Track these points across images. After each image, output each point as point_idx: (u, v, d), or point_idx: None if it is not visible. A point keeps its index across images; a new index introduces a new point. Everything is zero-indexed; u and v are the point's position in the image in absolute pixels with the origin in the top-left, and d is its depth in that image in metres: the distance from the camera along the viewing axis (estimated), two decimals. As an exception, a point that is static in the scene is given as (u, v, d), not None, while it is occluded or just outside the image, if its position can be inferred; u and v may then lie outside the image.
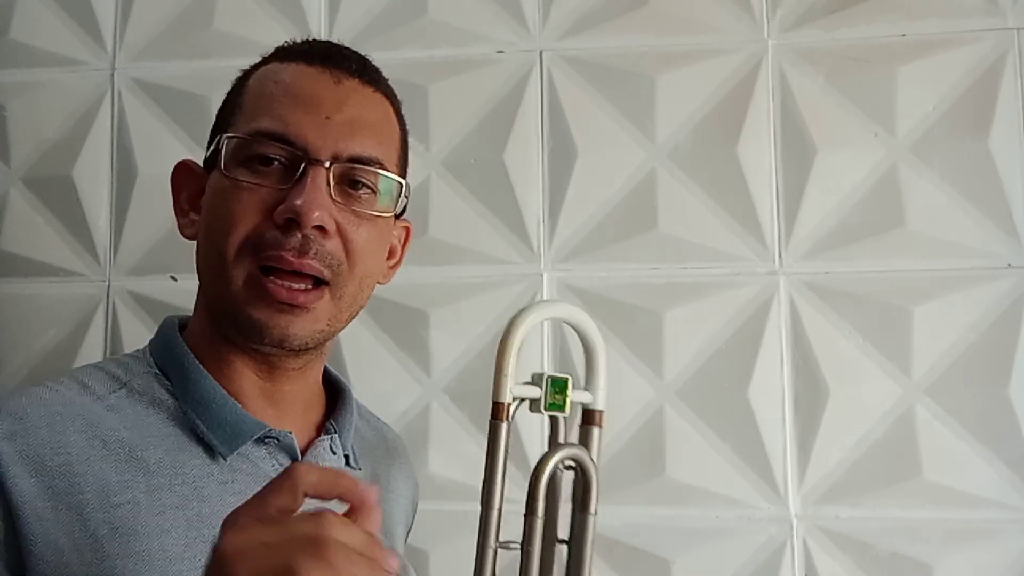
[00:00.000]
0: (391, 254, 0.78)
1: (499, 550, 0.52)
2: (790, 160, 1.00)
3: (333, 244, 0.68)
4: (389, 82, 0.77)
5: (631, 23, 1.04)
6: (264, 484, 0.66)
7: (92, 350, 1.05)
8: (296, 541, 0.46)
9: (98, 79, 1.10)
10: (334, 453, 0.74)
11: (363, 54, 0.76)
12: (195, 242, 0.73)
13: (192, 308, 0.75)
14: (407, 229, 0.80)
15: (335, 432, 0.75)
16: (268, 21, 1.08)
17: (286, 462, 0.70)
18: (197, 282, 0.74)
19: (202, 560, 0.62)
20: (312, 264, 0.66)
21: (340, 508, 0.49)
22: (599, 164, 1.02)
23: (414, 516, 0.90)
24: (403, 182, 0.73)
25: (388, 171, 0.71)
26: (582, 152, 1.02)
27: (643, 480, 0.98)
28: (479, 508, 0.53)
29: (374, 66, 0.75)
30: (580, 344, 0.60)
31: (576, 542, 0.54)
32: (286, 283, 0.67)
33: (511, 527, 0.56)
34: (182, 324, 0.75)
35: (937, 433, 0.95)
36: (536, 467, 0.53)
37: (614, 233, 1.01)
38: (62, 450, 0.62)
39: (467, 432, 1.00)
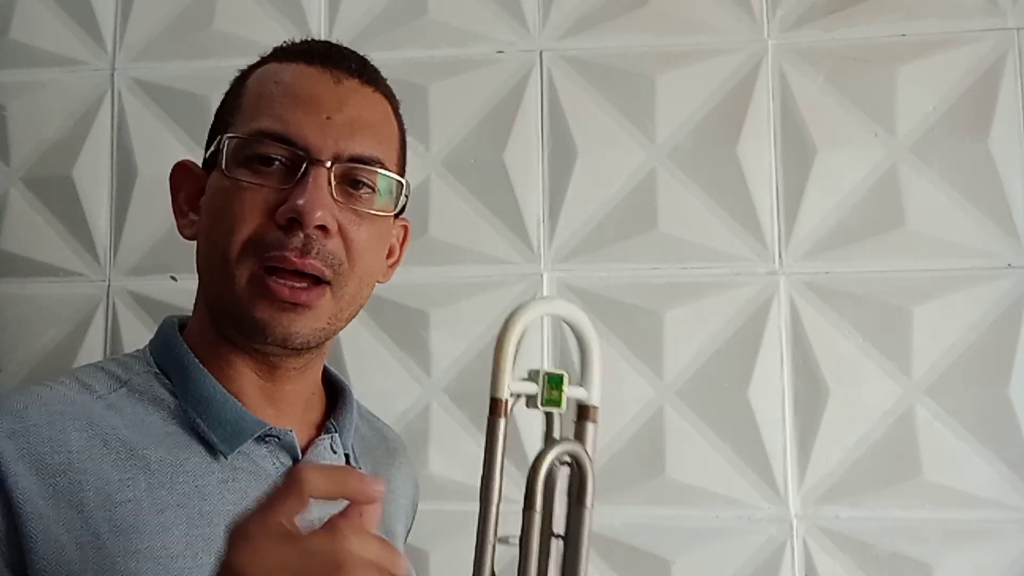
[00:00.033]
0: (390, 253, 0.78)
1: (497, 546, 0.52)
2: (790, 160, 1.00)
3: (334, 244, 0.68)
4: (388, 82, 0.77)
5: (631, 23, 1.04)
6: (265, 482, 0.67)
7: (92, 350, 1.05)
8: (316, 562, 0.46)
9: (98, 79, 1.10)
10: (335, 452, 0.74)
11: (363, 54, 0.76)
12: (195, 242, 0.74)
13: (192, 308, 0.75)
14: (405, 228, 0.80)
15: (335, 431, 0.75)
16: (268, 21, 1.08)
17: (287, 460, 0.70)
18: (197, 282, 0.74)
19: (204, 558, 0.63)
20: (314, 264, 0.67)
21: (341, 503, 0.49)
22: (599, 164, 1.02)
23: (414, 516, 0.90)
24: (403, 181, 0.74)
25: (388, 170, 0.72)
26: (582, 152, 1.02)
27: (643, 480, 0.98)
28: (478, 505, 0.53)
29: (373, 66, 0.76)
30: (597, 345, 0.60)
31: (572, 536, 0.54)
32: (288, 282, 0.67)
33: (509, 526, 0.56)
34: (181, 324, 0.75)
35: (937, 433, 0.95)
36: (534, 462, 0.54)
37: (614, 233, 1.01)
38: (63, 448, 0.62)
39: (467, 432, 1.00)
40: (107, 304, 1.06)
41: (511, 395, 0.53)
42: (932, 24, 1.00)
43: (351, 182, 0.70)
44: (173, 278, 1.05)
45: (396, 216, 0.75)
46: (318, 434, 0.75)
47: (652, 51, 1.03)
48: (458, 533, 0.96)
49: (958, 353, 0.95)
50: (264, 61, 0.75)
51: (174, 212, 0.75)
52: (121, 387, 0.68)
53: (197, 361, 0.70)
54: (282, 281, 0.66)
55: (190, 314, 0.76)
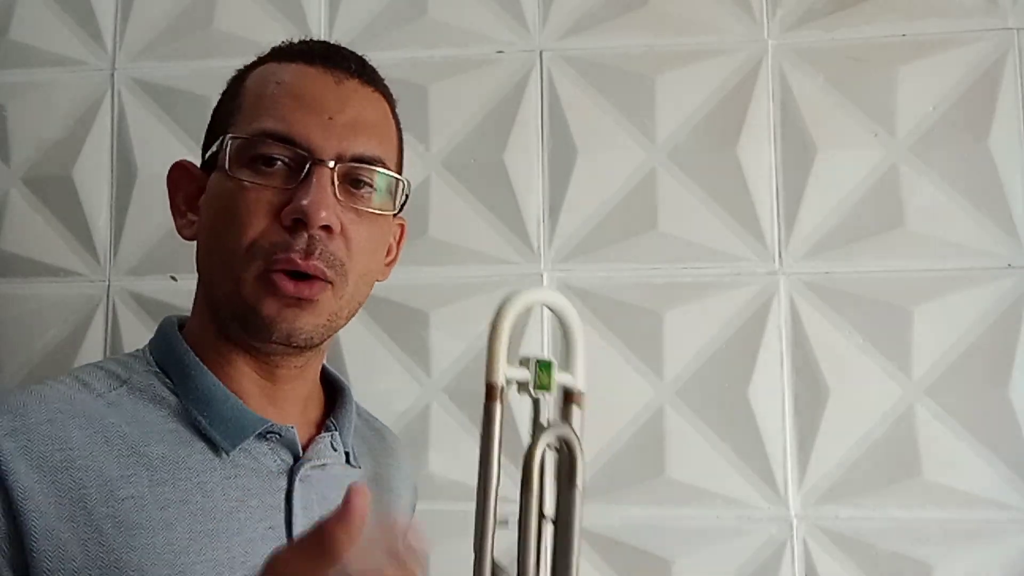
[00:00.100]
0: (388, 252, 0.79)
1: (497, 531, 0.53)
2: (790, 160, 1.00)
3: (336, 244, 0.68)
4: (385, 81, 0.77)
5: (631, 23, 1.04)
6: (267, 479, 0.67)
7: (92, 350, 1.05)
8: None
9: (98, 79, 1.10)
10: (335, 449, 0.75)
11: (363, 54, 0.76)
12: (194, 242, 0.74)
13: (191, 308, 0.76)
14: (402, 227, 0.80)
15: (335, 429, 0.76)
16: (268, 21, 1.08)
17: (288, 458, 0.71)
18: (197, 282, 0.74)
19: (207, 553, 0.63)
20: (317, 265, 0.67)
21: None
22: (599, 164, 1.02)
23: (412, 516, 0.90)
24: (404, 180, 0.74)
25: (389, 170, 0.72)
26: (582, 152, 1.02)
27: (643, 480, 0.98)
28: (476, 491, 0.55)
29: (371, 66, 0.76)
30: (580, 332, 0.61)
31: (564, 519, 0.55)
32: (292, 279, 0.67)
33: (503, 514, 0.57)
34: (180, 324, 0.75)
35: (937, 433, 0.95)
36: (530, 445, 0.55)
37: (614, 233, 1.01)
38: (64, 446, 0.62)
39: (467, 432, 1.00)
40: (107, 304, 1.06)
41: (505, 380, 0.54)
42: (932, 24, 1.00)
43: (352, 182, 0.70)
44: (173, 278, 1.05)
45: (394, 215, 0.76)
46: (318, 432, 0.75)
47: (652, 51, 1.03)
48: (458, 533, 0.96)
49: (958, 353, 0.95)
50: (262, 61, 0.75)
51: (173, 212, 0.75)
52: (121, 386, 0.69)
53: (198, 360, 0.70)
54: (286, 278, 0.67)
55: (189, 314, 0.76)
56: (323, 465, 0.73)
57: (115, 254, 1.07)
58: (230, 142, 0.69)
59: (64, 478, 0.61)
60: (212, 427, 0.68)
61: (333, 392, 0.80)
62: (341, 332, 0.78)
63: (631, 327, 1.00)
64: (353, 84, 0.72)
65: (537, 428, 0.57)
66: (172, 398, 0.69)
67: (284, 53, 0.74)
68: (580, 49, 1.04)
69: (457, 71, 1.05)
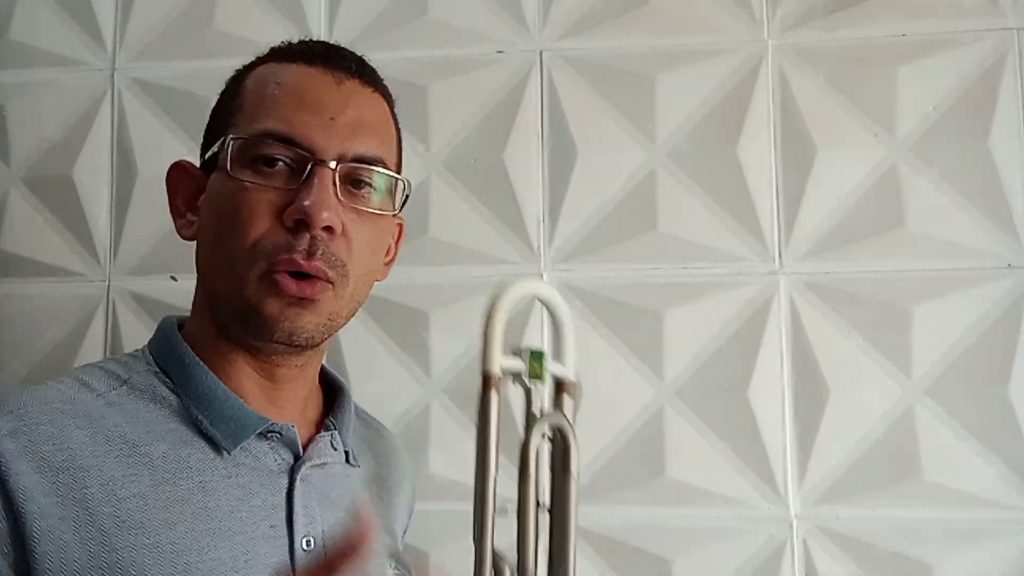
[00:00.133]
0: (386, 251, 0.79)
1: (495, 522, 0.54)
2: (790, 160, 1.00)
3: (338, 244, 0.68)
4: (385, 81, 0.77)
5: (631, 23, 1.04)
6: (267, 478, 0.68)
7: (92, 350, 1.05)
8: None
9: (98, 79, 1.10)
10: (335, 448, 0.75)
11: (363, 54, 0.76)
12: (194, 242, 0.74)
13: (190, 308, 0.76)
14: (400, 226, 0.81)
15: (334, 429, 0.76)
16: (268, 21, 1.08)
17: (288, 457, 0.71)
18: (196, 282, 0.74)
19: (209, 552, 0.63)
20: (319, 266, 0.67)
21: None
22: (599, 164, 1.02)
23: (410, 516, 0.90)
24: (405, 180, 0.74)
25: (390, 170, 0.73)
26: (582, 152, 1.02)
27: (643, 480, 0.98)
28: (474, 479, 0.56)
29: (371, 66, 0.76)
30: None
31: (560, 506, 0.56)
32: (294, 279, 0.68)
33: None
34: (180, 323, 0.75)
35: (937, 433, 0.95)
36: (525, 435, 0.57)
37: (614, 233, 1.01)
38: (65, 446, 0.63)
39: (467, 432, 1.00)
40: (107, 304, 1.06)
41: (501, 370, 0.55)
42: (932, 24, 1.00)
43: (353, 182, 0.70)
44: (173, 278, 1.05)
45: (394, 215, 0.76)
46: (317, 432, 0.76)
47: (652, 51, 1.03)
48: (458, 533, 0.96)
49: (958, 353, 0.95)
50: (261, 61, 0.75)
51: (172, 213, 0.76)
52: (121, 385, 0.69)
53: (198, 359, 0.70)
54: (289, 278, 0.67)
55: (188, 314, 0.76)
56: (323, 464, 0.73)
57: (115, 254, 1.07)
58: (231, 143, 0.69)
59: (66, 478, 0.61)
60: (213, 426, 0.68)
61: (332, 392, 0.81)
62: (341, 332, 0.78)
63: (631, 327, 1.00)
64: (354, 84, 0.72)
65: (531, 418, 0.58)
66: (173, 398, 0.69)
67: (284, 53, 0.74)
68: (580, 49, 1.04)
69: (457, 71, 1.05)
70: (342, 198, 0.69)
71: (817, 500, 0.96)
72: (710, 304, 0.99)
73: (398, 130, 0.78)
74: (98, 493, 0.62)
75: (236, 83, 0.75)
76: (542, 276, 1.02)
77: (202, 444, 0.68)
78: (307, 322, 0.68)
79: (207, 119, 0.76)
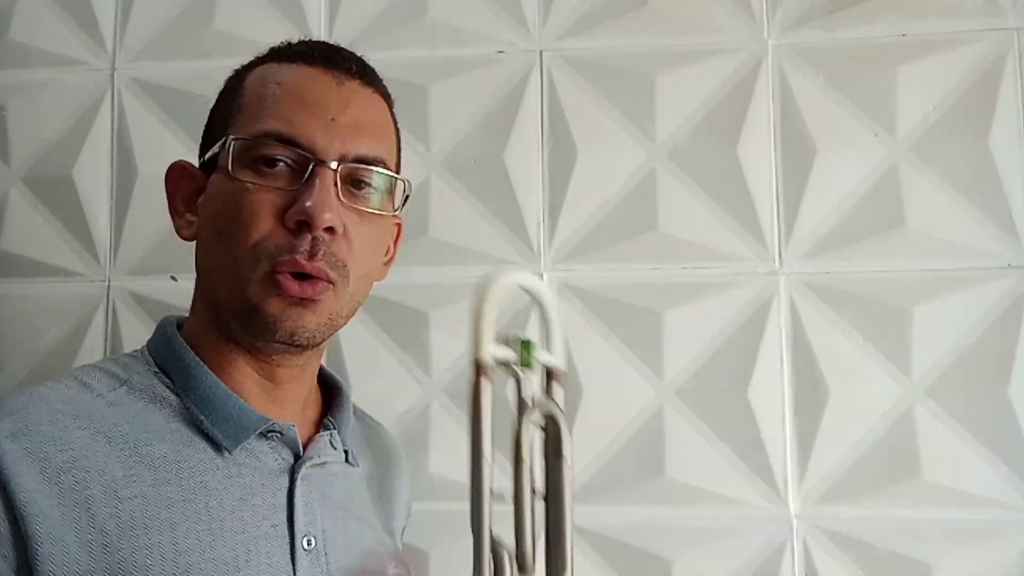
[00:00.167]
0: (386, 251, 0.79)
1: (492, 507, 0.55)
2: (790, 160, 1.00)
3: (339, 245, 0.69)
4: (385, 81, 0.77)
5: (631, 23, 1.04)
6: (268, 477, 0.68)
7: (92, 350, 1.05)
8: None
9: (98, 79, 1.10)
10: (334, 448, 0.75)
11: (363, 54, 0.76)
12: (193, 243, 0.74)
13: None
14: (399, 226, 0.81)
15: (334, 428, 0.76)
16: (268, 21, 1.08)
17: (288, 456, 0.71)
18: (196, 282, 0.74)
19: (210, 552, 0.63)
20: (320, 267, 0.67)
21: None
22: (599, 164, 1.02)
23: (408, 516, 0.90)
24: (406, 181, 0.75)
25: (390, 170, 0.73)
26: (582, 152, 1.02)
27: (643, 480, 0.98)
28: (470, 466, 0.56)
29: (370, 66, 0.76)
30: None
31: (554, 491, 0.57)
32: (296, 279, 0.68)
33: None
34: (179, 324, 0.75)
35: (937, 433, 0.95)
36: (518, 423, 0.57)
37: (614, 233, 1.01)
38: (66, 446, 0.62)
39: (467, 432, 0.99)
40: (107, 304, 1.06)
41: (491, 358, 0.56)
42: (932, 24, 1.00)
43: (354, 182, 0.71)
44: (173, 278, 1.05)
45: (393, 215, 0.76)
46: (316, 431, 0.76)
47: (652, 51, 1.03)
48: (458, 533, 0.96)
49: (958, 353, 0.96)
50: (260, 61, 0.75)
51: (171, 213, 0.76)
52: (121, 386, 0.69)
53: (198, 359, 0.70)
54: (291, 279, 0.67)
55: (187, 314, 0.76)
56: (323, 463, 0.73)
57: (115, 254, 1.07)
58: (232, 143, 0.69)
59: (67, 479, 0.61)
60: (214, 426, 0.68)
61: (330, 391, 0.81)
62: (341, 332, 0.78)
63: (631, 327, 1.00)
64: (354, 85, 0.73)
65: (522, 405, 0.59)
66: (173, 398, 0.69)
67: (284, 53, 0.74)
68: (580, 49, 1.04)
69: (457, 71, 1.05)
70: (343, 199, 0.69)
71: (817, 500, 0.96)
72: (710, 304, 0.99)
73: (397, 130, 0.78)
74: (100, 494, 0.62)
75: (235, 83, 0.75)
76: (542, 276, 1.02)
77: (203, 444, 0.68)
78: (308, 322, 0.68)
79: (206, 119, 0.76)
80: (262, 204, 0.67)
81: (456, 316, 1.02)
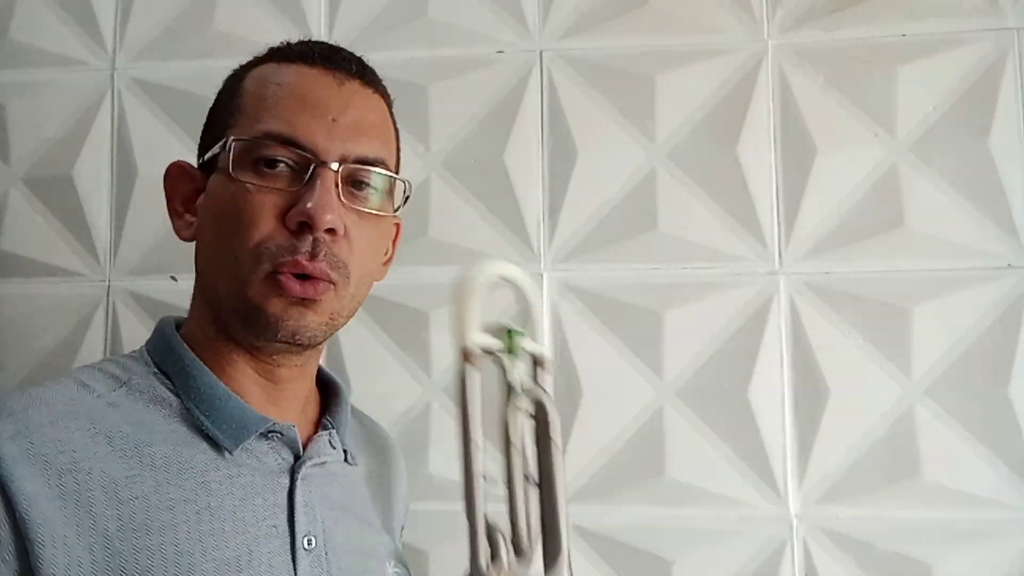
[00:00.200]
0: (385, 251, 0.79)
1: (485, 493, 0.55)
2: (790, 160, 1.00)
3: (340, 245, 0.69)
4: (385, 81, 0.77)
5: (631, 23, 1.04)
6: (269, 477, 0.68)
7: (92, 350, 1.05)
8: None
9: (98, 79, 1.10)
10: (333, 448, 0.75)
11: (363, 54, 0.76)
12: (193, 243, 0.74)
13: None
14: (397, 226, 0.81)
15: (332, 428, 0.76)
16: (268, 21, 1.08)
17: (288, 456, 0.71)
18: (195, 282, 0.74)
19: (212, 553, 0.63)
20: (322, 268, 0.67)
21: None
22: (599, 164, 1.02)
23: (406, 515, 0.90)
24: (406, 181, 0.75)
25: (390, 171, 0.73)
26: (582, 152, 1.02)
27: (643, 480, 0.98)
28: (461, 451, 0.57)
29: (370, 67, 0.76)
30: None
31: (547, 476, 0.57)
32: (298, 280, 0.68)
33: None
34: (177, 324, 0.75)
35: (937, 433, 0.95)
36: (507, 409, 0.58)
37: (614, 233, 1.01)
38: (67, 448, 0.62)
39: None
40: (107, 304, 1.06)
41: (477, 346, 0.57)
42: (932, 24, 1.00)
43: (354, 183, 0.71)
44: (173, 278, 1.05)
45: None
46: (316, 431, 0.76)
47: (652, 51, 1.03)
48: (458, 533, 0.96)
49: (958, 353, 0.96)
50: (260, 61, 0.75)
51: (170, 213, 0.75)
52: (121, 387, 0.69)
53: (198, 360, 0.70)
54: (293, 279, 0.67)
55: (186, 314, 0.76)
56: (323, 463, 0.73)
57: (115, 254, 1.07)
58: (233, 144, 0.69)
59: (68, 481, 0.61)
60: (215, 427, 0.68)
61: (328, 391, 0.81)
62: (341, 332, 0.78)
63: (631, 327, 1.00)
64: (354, 85, 0.72)
65: (511, 392, 0.59)
66: (173, 398, 0.69)
67: (283, 54, 0.74)
68: (580, 49, 1.04)
69: (457, 71, 1.05)
70: (344, 199, 0.69)
71: (817, 500, 0.96)
72: (710, 304, 0.99)
73: (397, 131, 0.78)
74: (101, 496, 0.62)
75: (235, 83, 0.74)
76: (542, 276, 1.02)
77: (203, 445, 0.68)
78: (310, 321, 0.68)
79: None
80: (263, 205, 0.67)
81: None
